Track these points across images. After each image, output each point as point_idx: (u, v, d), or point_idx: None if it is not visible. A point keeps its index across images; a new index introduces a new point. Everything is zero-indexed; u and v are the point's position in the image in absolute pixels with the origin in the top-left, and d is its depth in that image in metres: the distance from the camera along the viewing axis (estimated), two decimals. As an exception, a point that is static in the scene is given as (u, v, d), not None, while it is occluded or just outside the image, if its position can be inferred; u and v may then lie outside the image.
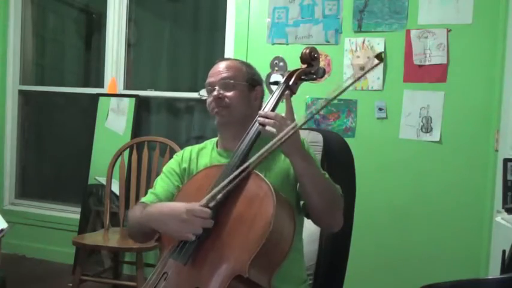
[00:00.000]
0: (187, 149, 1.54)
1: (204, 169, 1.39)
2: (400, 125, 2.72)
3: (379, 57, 1.21)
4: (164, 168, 1.53)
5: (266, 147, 1.21)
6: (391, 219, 2.74)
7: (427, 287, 1.12)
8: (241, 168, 1.22)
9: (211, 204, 1.20)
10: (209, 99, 1.45)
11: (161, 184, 1.48)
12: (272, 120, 1.24)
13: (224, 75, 1.44)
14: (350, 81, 1.23)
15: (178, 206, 1.25)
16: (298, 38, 2.90)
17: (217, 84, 1.43)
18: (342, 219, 1.37)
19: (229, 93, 1.42)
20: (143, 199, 1.47)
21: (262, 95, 1.50)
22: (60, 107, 3.91)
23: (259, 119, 1.28)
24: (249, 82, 1.46)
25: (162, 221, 1.27)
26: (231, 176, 1.22)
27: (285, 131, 1.21)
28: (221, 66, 1.47)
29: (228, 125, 1.44)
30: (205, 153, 1.50)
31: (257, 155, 1.21)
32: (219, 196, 1.20)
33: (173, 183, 1.47)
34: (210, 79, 1.46)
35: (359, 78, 1.28)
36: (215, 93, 1.42)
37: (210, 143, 1.54)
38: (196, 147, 1.54)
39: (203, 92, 1.49)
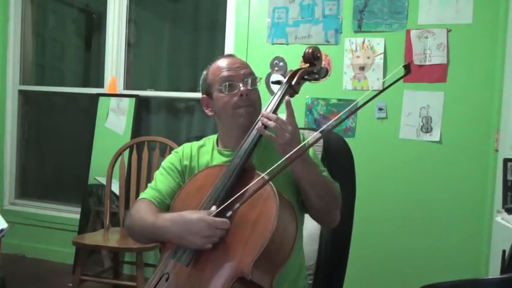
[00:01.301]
0: (187, 145, 1.51)
1: (206, 168, 1.38)
2: (400, 125, 2.72)
3: (408, 67, 1.20)
4: (164, 164, 1.49)
5: (280, 162, 1.19)
6: (391, 219, 2.74)
7: (427, 287, 1.12)
8: (258, 179, 1.20)
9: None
10: (229, 96, 1.37)
11: (162, 180, 1.44)
12: (273, 123, 1.23)
13: (246, 71, 1.40)
14: (360, 103, 1.23)
15: (196, 219, 1.19)
16: (298, 38, 2.90)
17: (240, 79, 1.38)
18: (339, 216, 1.39)
19: (253, 91, 1.39)
20: (144, 195, 1.42)
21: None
22: (60, 107, 3.91)
23: (262, 119, 1.27)
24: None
25: (181, 237, 1.21)
26: (249, 187, 1.19)
27: (294, 150, 1.19)
28: (236, 61, 1.42)
29: (250, 125, 1.35)
30: (205, 151, 1.48)
31: (272, 167, 1.17)
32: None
33: (174, 179, 1.44)
34: (228, 72, 1.38)
35: (382, 91, 1.26)
36: (242, 89, 1.36)
37: (209, 141, 1.51)
38: (195, 144, 1.51)
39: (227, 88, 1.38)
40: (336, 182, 1.40)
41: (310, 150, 1.42)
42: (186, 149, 1.49)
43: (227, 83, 1.38)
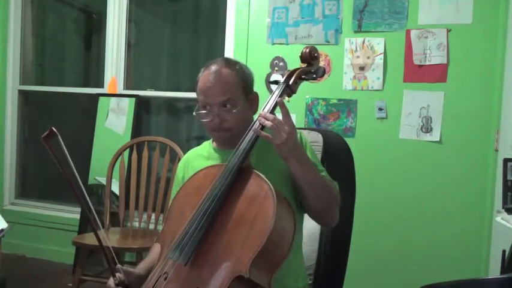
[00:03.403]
0: (186, 155, 1.56)
1: (204, 168, 1.39)
2: (400, 125, 2.72)
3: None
4: (175, 180, 1.55)
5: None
6: (390, 219, 2.74)
7: (427, 287, 1.12)
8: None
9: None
10: (206, 120, 1.37)
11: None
12: (270, 123, 1.23)
13: (223, 98, 1.35)
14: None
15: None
16: (298, 38, 2.90)
17: (216, 107, 1.35)
18: (338, 215, 1.38)
19: (230, 117, 1.36)
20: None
21: (257, 99, 1.46)
22: (60, 107, 3.91)
23: (259, 119, 1.27)
24: (245, 94, 1.40)
25: None
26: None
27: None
28: (216, 83, 1.35)
29: (229, 142, 1.39)
30: (200, 155, 1.50)
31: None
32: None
33: None
34: (206, 99, 1.36)
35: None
36: (216, 120, 1.35)
37: (206, 143, 1.54)
38: (192, 151, 1.56)
39: (204, 114, 1.38)
40: (334, 182, 1.40)
41: (308, 150, 1.42)
42: (185, 158, 1.55)
43: (202, 111, 1.38)
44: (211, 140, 1.52)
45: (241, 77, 1.40)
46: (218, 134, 1.40)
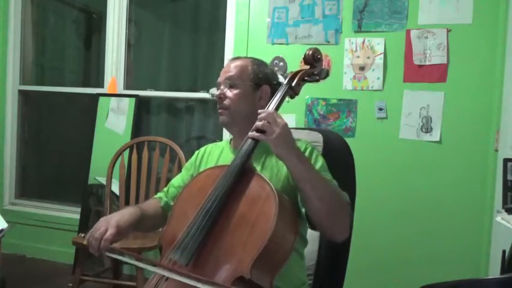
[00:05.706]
0: (209, 145, 1.60)
1: (207, 169, 1.40)
2: (400, 125, 2.72)
3: None
4: (187, 163, 1.62)
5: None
6: (390, 219, 2.74)
7: (427, 287, 1.12)
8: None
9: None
10: (215, 96, 1.49)
11: (174, 180, 1.57)
12: (261, 123, 1.22)
13: (228, 74, 1.46)
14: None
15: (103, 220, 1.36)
16: (298, 38, 2.90)
17: (222, 83, 1.46)
18: (347, 227, 1.28)
19: (229, 93, 1.44)
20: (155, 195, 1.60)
21: (269, 93, 1.46)
22: (60, 107, 3.91)
23: (256, 123, 1.25)
24: (254, 82, 1.45)
25: None
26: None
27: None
28: (230, 65, 1.49)
29: (229, 126, 1.48)
30: (217, 150, 1.54)
31: None
32: None
33: (183, 179, 1.54)
34: (219, 78, 1.49)
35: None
36: (219, 94, 1.45)
37: (225, 142, 1.58)
38: (213, 144, 1.60)
39: (213, 91, 1.51)
40: (344, 192, 1.33)
41: (313, 155, 1.40)
42: (205, 149, 1.59)
43: (217, 87, 1.49)
44: (229, 139, 1.56)
45: (254, 67, 1.47)
46: (219, 111, 1.46)
